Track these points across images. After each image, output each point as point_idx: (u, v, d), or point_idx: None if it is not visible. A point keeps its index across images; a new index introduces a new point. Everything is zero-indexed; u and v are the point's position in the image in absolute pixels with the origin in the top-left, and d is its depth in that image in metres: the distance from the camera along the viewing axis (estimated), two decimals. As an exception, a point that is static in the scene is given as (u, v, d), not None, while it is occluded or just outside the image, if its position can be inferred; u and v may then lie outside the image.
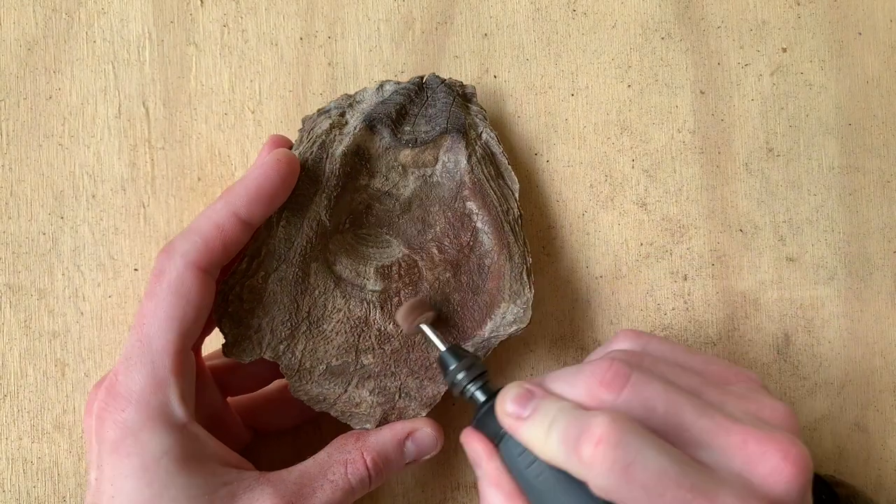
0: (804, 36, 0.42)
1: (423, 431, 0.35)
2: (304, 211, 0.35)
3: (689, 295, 0.41)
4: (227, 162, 0.40)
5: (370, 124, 0.37)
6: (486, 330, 0.37)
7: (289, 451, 0.39)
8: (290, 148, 0.37)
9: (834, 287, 0.41)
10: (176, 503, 0.30)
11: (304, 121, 0.38)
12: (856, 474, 0.41)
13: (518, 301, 0.36)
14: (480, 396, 0.32)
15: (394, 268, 0.37)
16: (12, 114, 0.40)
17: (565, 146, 0.41)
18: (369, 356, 0.36)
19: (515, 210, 0.38)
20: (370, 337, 0.36)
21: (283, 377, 0.36)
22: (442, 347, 0.34)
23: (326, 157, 0.36)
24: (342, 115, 0.37)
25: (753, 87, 0.42)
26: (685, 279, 0.41)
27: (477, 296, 0.37)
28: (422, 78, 0.38)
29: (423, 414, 0.36)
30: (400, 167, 0.37)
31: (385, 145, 0.37)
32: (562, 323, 0.41)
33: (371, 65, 0.41)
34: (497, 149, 0.38)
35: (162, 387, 0.31)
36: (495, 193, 0.37)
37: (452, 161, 0.37)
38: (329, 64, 0.41)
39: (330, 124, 0.37)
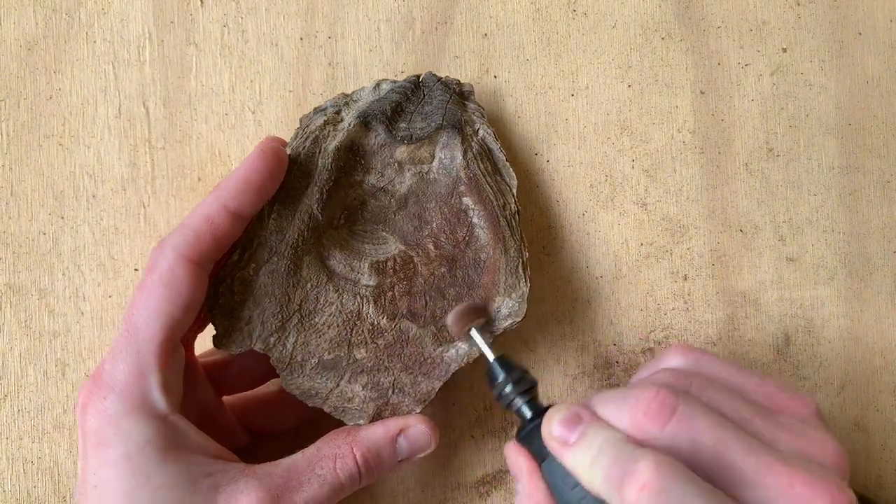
0: (804, 36, 0.42)
1: (417, 428, 0.35)
2: (296, 204, 0.36)
3: (689, 295, 0.41)
4: (227, 162, 0.40)
5: (364, 120, 0.37)
6: None
7: (286, 451, 0.39)
8: (284, 147, 0.37)
9: (834, 287, 0.41)
10: (159, 492, 0.30)
11: (301, 120, 0.38)
12: (856, 474, 0.41)
13: (513, 295, 0.36)
14: (527, 412, 0.32)
15: (389, 263, 0.37)
16: (12, 114, 0.40)
17: (565, 146, 0.41)
18: (362, 350, 0.36)
19: (512, 205, 0.37)
20: (363, 331, 0.36)
21: (279, 376, 0.36)
22: (491, 357, 0.33)
23: (319, 152, 0.36)
24: (338, 112, 0.38)
25: (753, 87, 0.42)
26: (685, 279, 0.41)
27: (472, 290, 0.37)
28: (418, 76, 0.38)
29: (418, 410, 0.36)
30: (396, 164, 0.37)
31: (380, 142, 0.37)
32: (562, 323, 0.41)
33: (371, 65, 0.41)
34: (494, 145, 0.38)
35: (145, 376, 0.31)
36: (492, 189, 0.37)
37: (449, 157, 0.37)
38: (329, 64, 0.41)
39: (324, 121, 0.37)
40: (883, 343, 0.41)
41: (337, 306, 0.36)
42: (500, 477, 0.40)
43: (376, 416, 0.35)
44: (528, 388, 0.32)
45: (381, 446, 0.34)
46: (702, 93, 0.42)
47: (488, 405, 0.40)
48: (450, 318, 0.35)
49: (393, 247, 0.37)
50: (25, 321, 0.39)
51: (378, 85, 0.38)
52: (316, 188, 0.36)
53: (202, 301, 0.33)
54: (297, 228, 0.35)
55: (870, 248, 0.42)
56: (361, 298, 0.36)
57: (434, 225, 0.37)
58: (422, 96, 0.38)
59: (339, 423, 0.36)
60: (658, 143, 0.41)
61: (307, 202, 0.36)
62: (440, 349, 0.36)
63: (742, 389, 0.31)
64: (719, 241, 0.41)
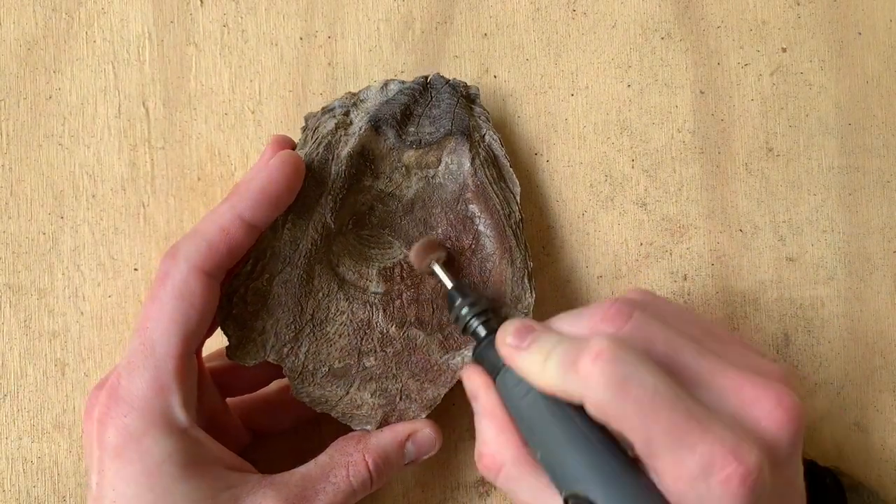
0: (804, 36, 0.42)
1: (423, 432, 0.35)
2: (310, 213, 0.35)
3: (689, 295, 0.41)
4: (227, 162, 0.40)
5: (375, 125, 0.37)
6: None
7: (288, 451, 0.39)
8: (294, 148, 0.37)
9: (834, 287, 0.41)
10: None
11: (307, 119, 0.38)
12: (856, 474, 0.41)
13: (519, 305, 0.36)
14: (482, 331, 0.33)
15: (396, 269, 0.37)
16: (12, 114, 0.40)
17: (565, 146, 0.41)
18: (371, 358, 0.36)
19: (517, 213, 0.38)
20: (372, 339, 0.36)
21: (283, 377, 0.36)
22: (449, 285, 0.35)
23: (332, 159, 0.36)
24: (346, 114, 0.37)
25: (753, 87, 0.42)
26: (685, 279, 0.41)
27: None
28: (426, 78, 0.38)
29: (423, 416, 0.36)
30: (403, 168, 0.37)
31: (389, 146, 0.37)
32: (562, 323, 0.41)
33: (371, 65, 0.41)
34: (500, 151, 0.38)
35: (165, 392, 0.31)
36: (498, 197, 0.37)
37: (456, 163, 0.37)
38: (329, 64, 0.41)
39: (335, 124, 0.37)
40: (883, 343, 0.41)
41: (348, 315, 0.36)
42: (500, 477, 0.40)
43: (383, 422, 0.35)
44: (483, 311, 0.34)
45: (391, 452, 0.35)
46: (702, 93, 0.42)
47: (488, 405, 0.40)
48: (412, 254, 0.36)
49: (398, 251, 0.37)
50: (25, 321, 0.39)
51: (386, 85, 0.38)
52: (330, 196, 0.36)
53: (214, 312, 0.33)
54: (310, 238, 0.35)
55: (870, 248, 0.42)
56: (371, 307, 0.36)
57: (439, 230, 0.37)
58: (429, 99, 0.38)
59: (339, 423, 0.36)
60: (658, 142, 0.41)
61: (321, 211, 0.35)
62: (446, 356, 0.36)
63: (694, 323, 0.32)
64: (719, 241, 0.41)
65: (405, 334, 0.36)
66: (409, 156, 0.37)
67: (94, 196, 0.40)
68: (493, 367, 0.32)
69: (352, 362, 0.36)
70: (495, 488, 0.40)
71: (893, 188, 0.42)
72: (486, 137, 0.38)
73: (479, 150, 0.37)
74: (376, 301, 0.36)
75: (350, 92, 0.38)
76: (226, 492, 0.31)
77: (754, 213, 0.41)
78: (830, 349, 0.41)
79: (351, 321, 0.36)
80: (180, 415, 0.31)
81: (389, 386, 0.36)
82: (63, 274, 0.39)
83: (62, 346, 0.39)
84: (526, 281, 0.37)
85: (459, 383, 0.36)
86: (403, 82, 0.38)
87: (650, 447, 0.27)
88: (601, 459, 0.28)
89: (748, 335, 0.41)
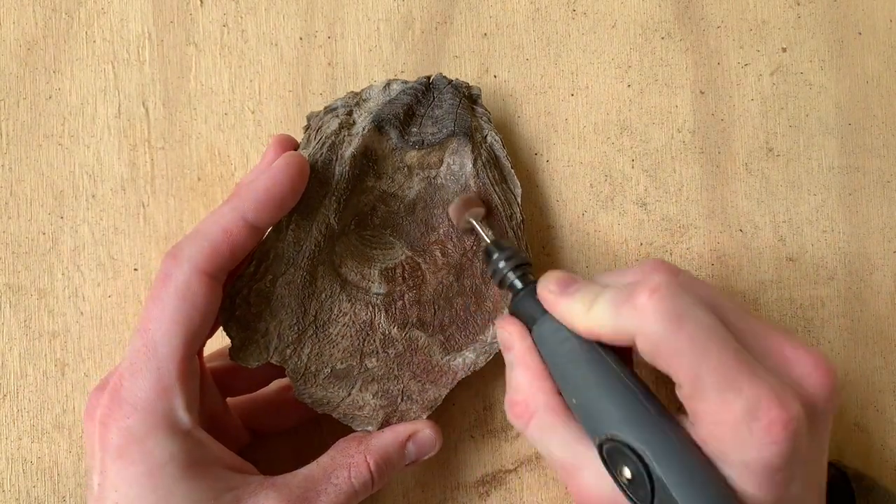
0: (804, 36, 0.42)
1: (424, 433, 0.35)
2: (314, 214, 0.35)
3: (689, 295, 0.41)
4: (227, 162, 0.40)
5: (379, 125, 0.37)
6: (489, 335, 0.37)
7: (288, 451, 0.39)
8: (296, 147, 0.37)
9: (834, 287, 0.41)
10: None
11: (309, 118, 0.38)
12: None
13: None
14: (519, 284, 0.33)
15: (398, 270, 0.37)
16: (12, 114, 0.40)
17: (565, 146, 0.41)
18: (373, 360, 0.36)
19: (518, 215, 0.38)
20: (374, 340, 0.36)
21: (283, 378, 0.36)
22: (488, 240, 0.35)
23: (336, 159, 0.36)
24: (349, 113, 0.37)
25: (753, 87, 0.42)
26: (685, 279, 0.41)
27: (480, 301, 0.37)
28: (428, 78, 0.38)
29: (424, 416, 0.36)
30: (405, 168, 0.37)
31: (392, 146, 0.37)
32: (562, 323, 0.41)
33: (371, 65, 0.41)
34: (501, 152, 0.38)
35: (167, 393, 0.31)
36: (499, 198, 0.37)
37: (457, 164, 0.37)
38: (329, 64, 0.41)
39: (339, 124, 0.36)
40: (883, 343, 0.41)
41: (350, 316, 0.36)
42: (500, 477, 0.40)
43: (385, 423, 0.35)
44: (521, 264, 0.34)
45: (392, 453, 0.35)
46: (702, 93, 0.42)
47: (488, 405, 0.40)
48: (451, 210, 0.36)
49: (399, 252, 0.37)
50: (25, 321, 0.39)
51: (388, 84, 0.38)
52: (333, 197, 0.36)
53: (216, 313, 0.32)
54: (314, 239, 0.35)
55: (870, 248, 0.42)
56: (373, 308, 0.36)
57: (441, 231, 0.37)
58: (432, 99, 0.38)
59: (340, 423, 0.36)
60: (658, 142, 0.41)
61: (325, 212, 0.35)
62: (447, 357, 0.36)
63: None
64: (719, 241, 0.41)
65: (407, 335, 0.36)
66: (412, 156, 0.37)
67: (94, 196, 0.40)
68: (530, 319, 0.32)
69: (354, 363, 0.36)
70: (495, 488, 0.40)
71: (893, 188, 0.42)
72: (488, 138, 0.38)
73: (481, 151, 0.37)
74: (378, 302, 0.36)
75: (352, 91, 0.38)
76: (228, 493, 0.31)
77: (754, 213, 0.41)
78: (830, 349, 0.41)
79: (353, 322, 0.36)
80: (183, 416, 0.31)
81: (391, 387, 0.36)
82: (63, 274, 0.39)
83: (62, 346, 0.39)
84: None
85: (460, 384, 0.36)
86: (406, 82, 0.38)
87: (696, 386, 0.27)
88: (639, 403, 0.28)
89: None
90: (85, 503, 0.38)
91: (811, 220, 0.42)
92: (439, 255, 0.37)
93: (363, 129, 0.36)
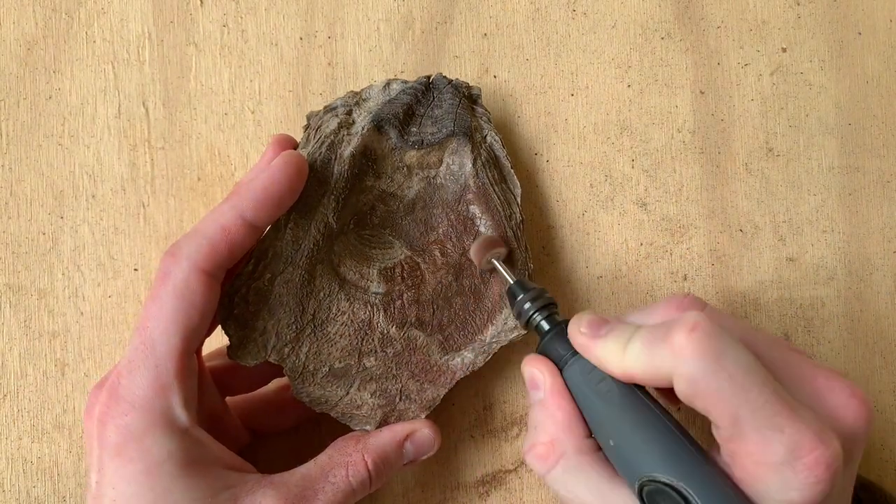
0: (804, 36, 0.42)
1: (422, 432, 0.35)
2: (313, 213, 0.35)
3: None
4: (227, 162, 0.40)
5: (378, 125, 0.37)
6: (488, 335, 0.37)
7: (287, 451, 0.39)
8: (295, 147, 0.37)
9: (834, 287, 0.41)
10: None
11: (309, 117, 0.38)
12: (859, 475, 0.41)
13: None
14: (546, 325, 0.33)
15: (397, 270, 0.37)
16: (12, 114, 0.40)
17: (565, 146, 0.41)
18: (371, 359, 0.36)
19: (518, 215, 0.38)
20: (373, 340, 0.36)
21: (282, 377, 0.36)
22: (511, 280, 0.35)
23: (335, 159, 0.36)
24: (349, 113, 0.37)
25: (753, 87, 0.42)
26: (685, 279, 0.41)
27: (479, 300, 0.37)
28: (428, 78, 0.38)
29: (423, 416, 0.36)
30: (405, 168, 0.37)
31: (391, 146, 0.37)
32: (562, 323, 0.41)
33: (371, 65, 0.41)
34: (501, 152, 0.38)
35: (165, 391, 0.31)
36: (499, 198, 0.37)
37: (457, 164, 0.37)
38: (329, 64, 0.41)
39: (338, 124, 0.36)
40: (883, 343, 0.41)
41: (349, 315, 0.36)
42: (500, 477, 0.40)
43: (383, 423, 0.35)
44: (547, 305, 0.34)
45: (390, 452, 0.35)
46: (701, 93, 0.42)
47: (488, 405, 0.40)
48: (472, 251, 0.36)
49: (398, 251, 0.37)
50: (25, 321, 0.39)
51: (388, 84, 0.38)
52: (332, 196, 0.36)
53: (214, 311, 0.32)
54: (312, 238, 0.35)
55: (870, 248, 0.42)
56: (372, 307, 0.36)
57: (440, 231, 0.37)
58: (431, 99, 0.38)
59: (338, 422, 0.36)
60: (658, 142, 0.41)
61: (323, 211, 0.35)
62: (446, 357, 0.36)
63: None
64: (719, 241, 0.41)
65: (405, 335, 0.36)
66: (411, 156, 0.37)
67: (94, 196, 0.40)
68: (559, 359, 0.32)
69: (352, 363, 0.36)
70: (495, 488, 0.40)
71: (893, 188, 0.42)
72: (488, 138, 0.38)
73: (481, 151, 0.37)
74: (377, 301, 0.36)
75: (352, 91, 0.38)
76: (225, 491, 0.31)
77: (754, 213, 0.41)
78: (830, 349, 0.41)
79: (352, 321, 0.36)
80: (181, 414, 0.31)
81: (389, 386, 0.36)
82: (63, 274, 0.39)
83: (62, 346, 0.39)
84: None
85: (460, 384, 0.36)
86: (406, 82, 0.38)
87: (736, 426, 0.27)
88: (680, 443, 0.28)
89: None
90: (84, 502, 0.38)
91: (811, 220, 0.42)
92: (438, 254, 0.37)
93: (362, 129, 0.36)
